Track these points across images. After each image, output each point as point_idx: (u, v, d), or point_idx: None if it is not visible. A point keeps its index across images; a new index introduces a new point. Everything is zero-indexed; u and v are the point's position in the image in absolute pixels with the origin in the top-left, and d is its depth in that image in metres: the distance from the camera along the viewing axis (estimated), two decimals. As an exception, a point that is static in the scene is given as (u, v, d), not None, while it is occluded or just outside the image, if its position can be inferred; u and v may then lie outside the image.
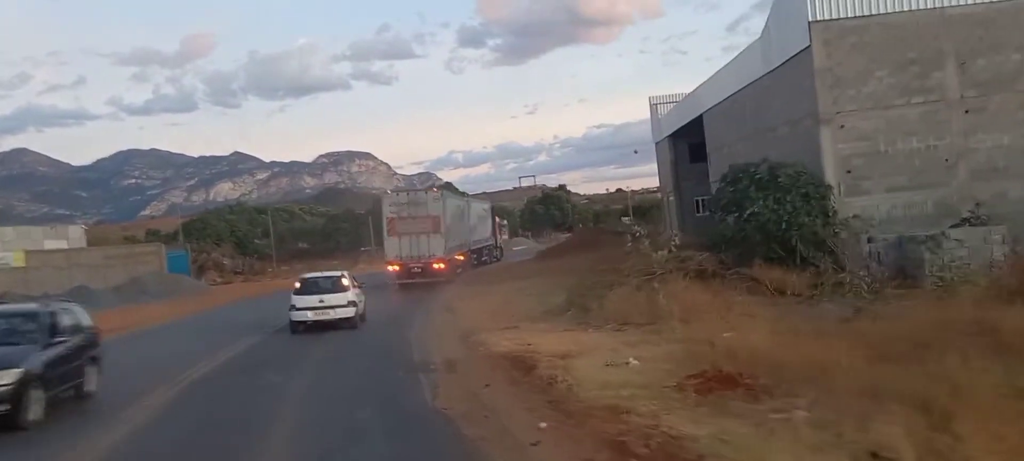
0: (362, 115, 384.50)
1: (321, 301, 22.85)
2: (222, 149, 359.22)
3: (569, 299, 22.95)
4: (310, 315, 22.69)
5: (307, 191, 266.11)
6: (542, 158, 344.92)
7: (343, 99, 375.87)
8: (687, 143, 47.90)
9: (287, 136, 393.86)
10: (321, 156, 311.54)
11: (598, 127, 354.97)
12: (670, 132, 47.89)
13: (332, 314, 22.78)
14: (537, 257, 50.50)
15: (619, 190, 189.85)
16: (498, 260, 56.89)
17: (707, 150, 38.98)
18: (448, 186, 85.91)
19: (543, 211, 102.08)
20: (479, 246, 51.86)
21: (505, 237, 74.39)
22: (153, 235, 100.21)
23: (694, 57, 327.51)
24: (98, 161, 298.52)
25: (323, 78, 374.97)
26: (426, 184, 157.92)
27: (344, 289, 23.48)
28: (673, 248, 22.93)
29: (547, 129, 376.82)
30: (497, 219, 63.25)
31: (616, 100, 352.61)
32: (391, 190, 48.09)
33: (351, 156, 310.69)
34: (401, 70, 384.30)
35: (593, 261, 34.41)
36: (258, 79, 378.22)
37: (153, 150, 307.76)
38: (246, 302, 39.82)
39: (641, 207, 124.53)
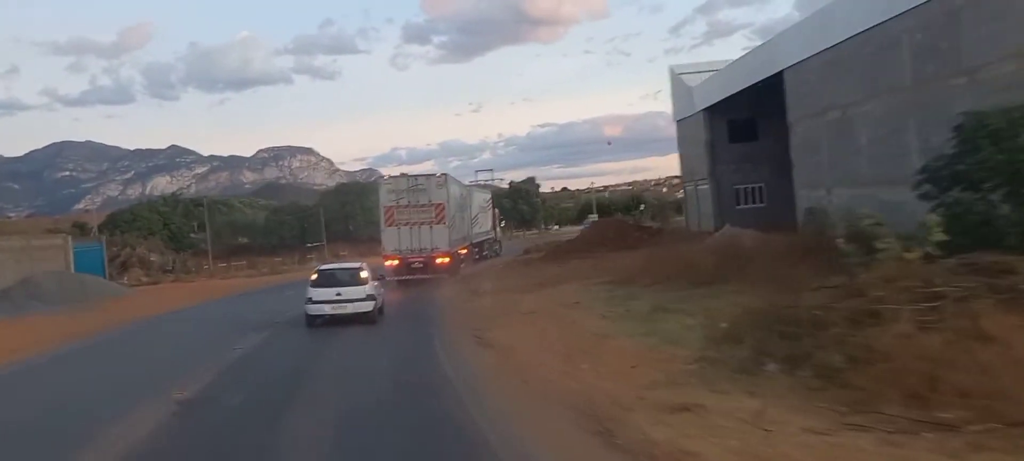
0: (304, 110, 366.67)
1: (338, 294, 20.22)
2: (159, 142, 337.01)
3: (754, 340, 11.86)
4: (327, 309, 20.13)
5: (246, 186, 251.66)
6: (486, 156, 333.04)
7: (285, 93, 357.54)
8: (726, 120, 37.45)
9: (226, 130, 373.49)
10: (261, 151, 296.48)
11: (542, 126, 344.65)
12: (706, 105, 37.35)
13: (350, 308, 20.10)
14: (545, 255, 39.01)
15: (564, 189, 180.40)
16: (497, 255, 48.18)
17: (789, 119, 28.44)
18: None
19: (511, 206, 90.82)
20: (480, 239, 43.77)
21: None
22: (78, 229, 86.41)
23: (637, 58, 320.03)
24: (31, 152, 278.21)
25: (264, 72, 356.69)
26: (371, 177, 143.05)
27: (363, 282, 20.63)
28: (931, 251, 12.17)
29: (491, 127, 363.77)
30: (496, 211, 54.03)
31: (561, 99, 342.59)
32: (389, 176, 40.25)
33: (292, 151, 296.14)
34: (344, 65, 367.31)
35: (653, 261, 23.89)
36: (197, 71, 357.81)
37: (88, 142, 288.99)
38: (175, 316, 27.97)
39: (602, 204, 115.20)
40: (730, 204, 37.44)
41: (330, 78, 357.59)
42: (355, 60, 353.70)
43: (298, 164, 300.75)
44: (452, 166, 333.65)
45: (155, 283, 49.53)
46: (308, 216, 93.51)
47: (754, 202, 37.56)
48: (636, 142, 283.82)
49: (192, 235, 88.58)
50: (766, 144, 37.32)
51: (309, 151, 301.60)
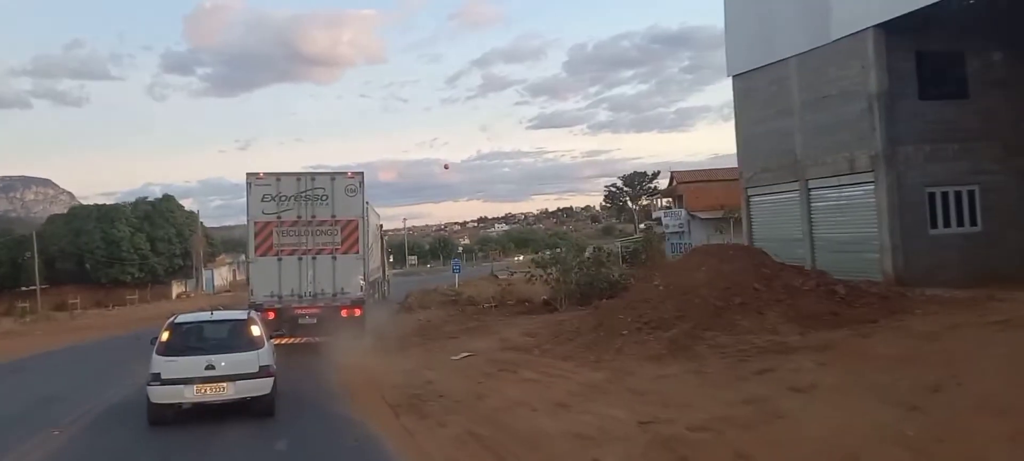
0: (43, 138, 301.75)
1: (210, 367, 10.49)
2: None
3: None
4: (190, 394, 10.45)
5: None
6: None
7: (20, 118, 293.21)
8: (915, 53, 17.17)
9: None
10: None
11: (314, 167, 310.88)
12: (882, 20, 16.62)
13: (231, 390, 10.48)
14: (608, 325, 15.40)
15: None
16: (385, 299, 30.86)
17: None
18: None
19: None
20: (373, 279, 26.06)
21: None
22: None
23: (414, 106, 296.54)
24: None
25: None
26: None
27: (254, 343, 10.98)
28: None
29: (259, 167, 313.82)
30: (385, 239, 35.83)
31: (334, 141, 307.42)
32: (264, 172, 18.51)
33: (26, 182, 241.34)
34: (93, 91, 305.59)
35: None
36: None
37: None
38: None
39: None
40: (920, 220, 16.89)
41: (76, 105, 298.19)
42: (106, 87, 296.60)
43: (33, 197, 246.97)
44: (214, 205, 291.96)
45: None
46: (23, 249, 62.00)
47: (961, 222, 17.26)
48: (410, 188, 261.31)
49: None
50: (990, 104, 17.33)
51: (47, 183, 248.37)
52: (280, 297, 18.13)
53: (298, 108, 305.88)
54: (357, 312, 18.44)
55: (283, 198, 18.45)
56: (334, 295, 18.25)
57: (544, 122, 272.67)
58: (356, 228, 18.69)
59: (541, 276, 26.39)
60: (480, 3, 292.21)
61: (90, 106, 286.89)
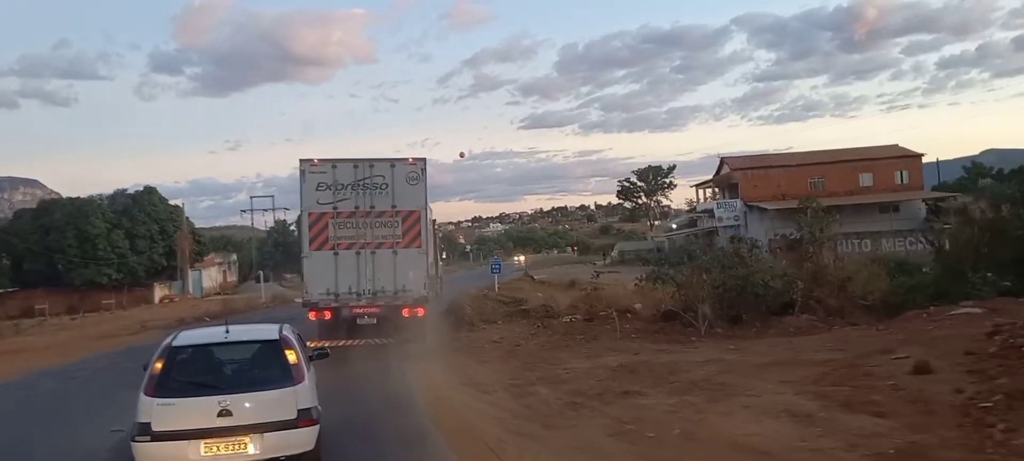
0: (31, 138, 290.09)
1: (225, 412, 6.84)
2: None
3: None
4: (195, 455, 6.81)
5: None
6: (242, 197, 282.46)
7: (7, 118, 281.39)
8: None
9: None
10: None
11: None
12: None
13: (256, 447, 6.86)
14: None
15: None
16: (438, 296, 24.42)
17: None
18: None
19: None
20: (429, 274, 21.18)
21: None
22: None
23: (405, 106, 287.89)
24: None
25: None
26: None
27: (289, 375, 7.22)
28: None
29: (250, 167, 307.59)
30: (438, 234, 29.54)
31: (325, 142, 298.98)
32: (318, 158, 16.40)
33: (14, 183, 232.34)
34: (82, 91, 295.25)
35: None
36: None
37: None
38: None
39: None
40: None
41: (64, 105, 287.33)
42: (94, 87, 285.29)
43: (21, 198, 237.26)
44: (203, 206, 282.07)
45: None
46: (-8, 248, 53.34)
47: None
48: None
49: None
50: None
51: (35, 184, 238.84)
52: (337, 295, 16.86)
53: (288, 108, 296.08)
54: (420, 312, 17.15)
55: (339, 186, 17.14)
56: (395, 293, 16.89)
57: (536, 122, 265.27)
58: (418, 220, 17.10)
59: (663, 277, 18.43)
60: (470, 2, 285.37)
61: (78, 106, 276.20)
